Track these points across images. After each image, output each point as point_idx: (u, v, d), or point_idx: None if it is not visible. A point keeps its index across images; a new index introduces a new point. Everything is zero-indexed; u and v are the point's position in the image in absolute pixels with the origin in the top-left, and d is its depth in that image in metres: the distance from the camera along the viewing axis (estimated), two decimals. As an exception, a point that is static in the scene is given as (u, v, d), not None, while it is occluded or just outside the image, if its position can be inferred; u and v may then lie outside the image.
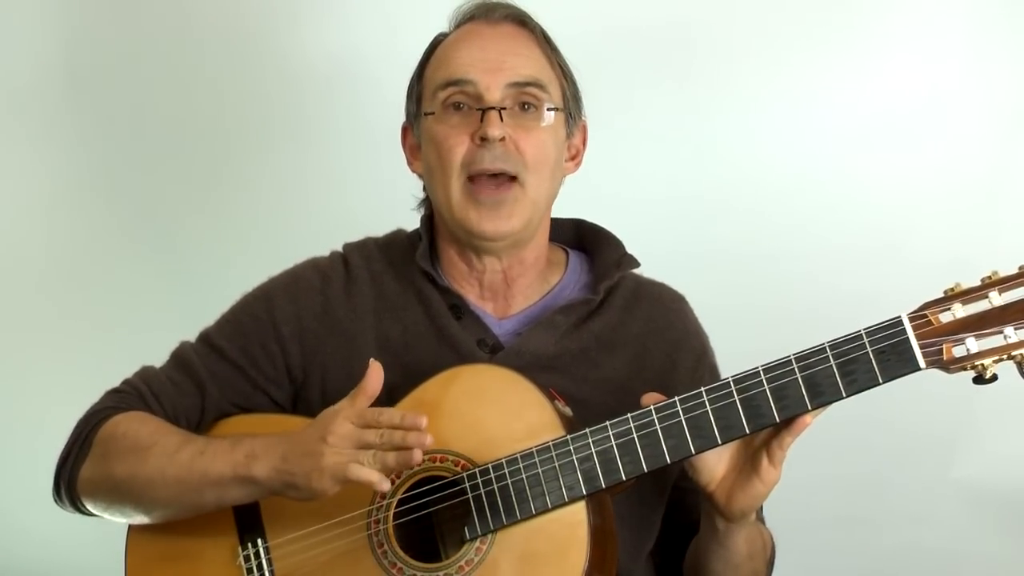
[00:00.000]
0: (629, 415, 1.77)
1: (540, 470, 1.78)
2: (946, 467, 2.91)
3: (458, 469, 1.81)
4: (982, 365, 1.67)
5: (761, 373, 1.73)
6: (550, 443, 1.78)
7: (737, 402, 1.74)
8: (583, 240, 2.11)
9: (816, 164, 2.89)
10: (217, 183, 3.02)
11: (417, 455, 1.69)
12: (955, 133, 2.86)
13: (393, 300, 2.01)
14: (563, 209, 2.09)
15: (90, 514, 1.98)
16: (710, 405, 1.75)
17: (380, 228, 2.11)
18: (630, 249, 2.07)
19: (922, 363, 1.68)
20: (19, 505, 2.98)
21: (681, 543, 2.01)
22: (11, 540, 3.10)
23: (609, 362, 1.98)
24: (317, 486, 1.73)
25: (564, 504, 1.77)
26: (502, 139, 1.91)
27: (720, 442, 1.75)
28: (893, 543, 2.94)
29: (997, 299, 1.67)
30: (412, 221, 2.09)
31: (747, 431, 1.74)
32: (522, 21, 2.00)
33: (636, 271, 2.06)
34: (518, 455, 1.79)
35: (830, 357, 1.71)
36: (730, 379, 1.75)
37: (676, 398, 1.76)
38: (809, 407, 1.72)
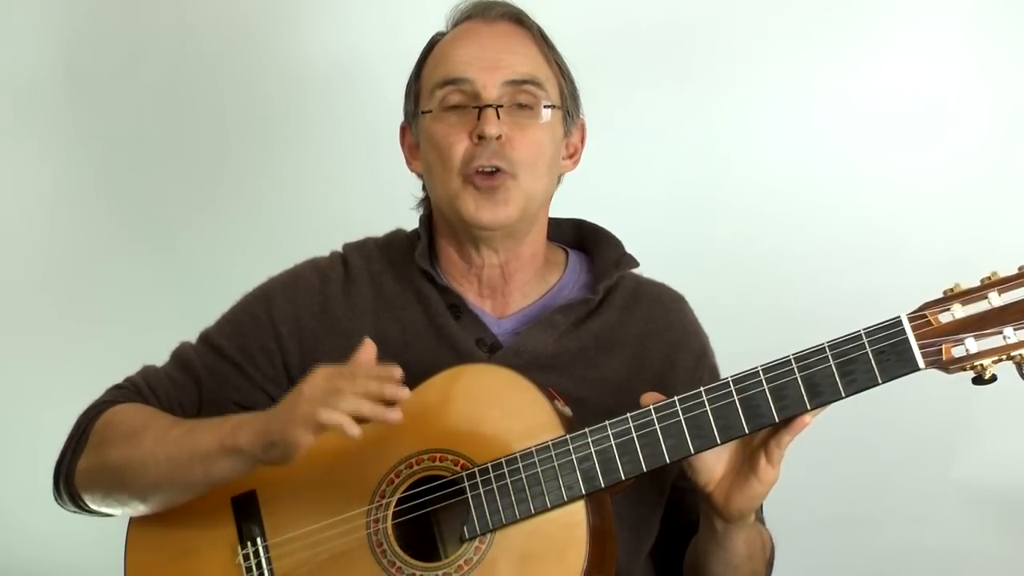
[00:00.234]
0: (628, 415, 1.77)
1: (539, 470, 1.78)
2: (946, 467, 2.91)
3: (457, 468, 1.81)
4: (981, 365, 1.67)
5: (760, 373, 1.73)
6: (549, 443, 1.78)
7: (736, 402, 1.74)
8: (583, 240, 2.12)
9: (816, 164, 2.89)
10: (217, 183, 3.03)
11: (396, 413, 1.69)
12: (955, 133, 2.86)
13: (392, 300, 2.01)
14: (563, 209, 2.10)
15: (90, 511, 1.99)
16: (709, 405, 1.75)
17: (380, 228, 2.11)
18: (630, 249, 2.07)
19: (921, 363, 1.68)
20: (19, 505, 2.98)
21: (680, 543, 2.01)
22: (11, 540, 3.10)
23: (608, 362, 1.98)
24: (292, 436, 1.71)
25: (563, 504, 1.77)
26: (499, 137, 1.91)
27: (719, 442, 1.75)
28: (893, 543, 2.94)
29: (997, 300, 1.67)
30: (412, 221, 2.09)
31: (746, 431, 1.74)
32: (519, 19, 2.00)
33: (636, 271, 2.07)
34: (517, 455, 1.79)
35: (829, 357, 1.71)
36: (729, 379, 1.75)
37: (675, 398, 1.76)
38: (808, 407, 1.72)
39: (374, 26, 2.90)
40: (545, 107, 1.96)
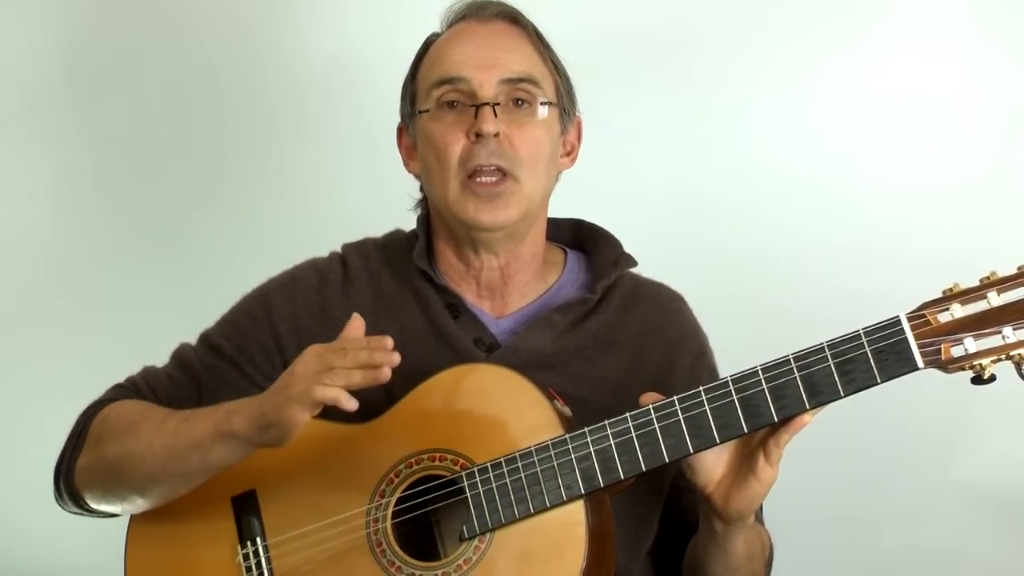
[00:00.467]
0: (627, 414, 1.77)
1: (539, 469, 1.78)
2: (946, 467, 2.90)
3: (457, 468, 1.81)
4: (980, 365, 1.67)
5: (760, 373, 1.73)
6: (549, 442, 1.78)
7: (735, 401, 1.74)
8: (581, 240, 2.12)
9: (816, 164, 2.89)
10: (217, 183, 3.03)
11: (385, 372, 1.68)
12: (955, 133, 2.86)
13: (391, 300, 2.01)
14: (562, 209, 2.10)
15: (91, 511, 1.99)
16: (708, 404, 1.75)
17: (379, 228, 2.11)
18: (629, 249, 2.07)
19: (920, 363, 1.68)
20: (19, 505, 2.98)
21: (679, 542, 2.01)
22: (11, 540, 3.10)
23: (606, 361, 1.98)
24: (288, 416, 1.71)
25: (562, 503, 1.77)
26: (496, 135, 1.91)
27: (718, 441, 1.75)
28: (893, 543, 2.94)
29: (996, 299, 1.67)
30: (410, 221, 2.09)
31: (745, 430, 1.74)
32: (514, 18, 2.01)
33: (635, 271, 2.07)
34: (517, 454, 1.79)
35: (828, 357, 1.71)
36: (728, 378, 1.75)
37: (674, 397, 1.76)
38: (807, 407, 1.72)
39: (372, 26, 2.90)
40: (542, 104, 1.96)
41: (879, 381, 1.70)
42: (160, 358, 2.06)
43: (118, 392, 2.02)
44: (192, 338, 2.06)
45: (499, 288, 2.02)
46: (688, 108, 2.89)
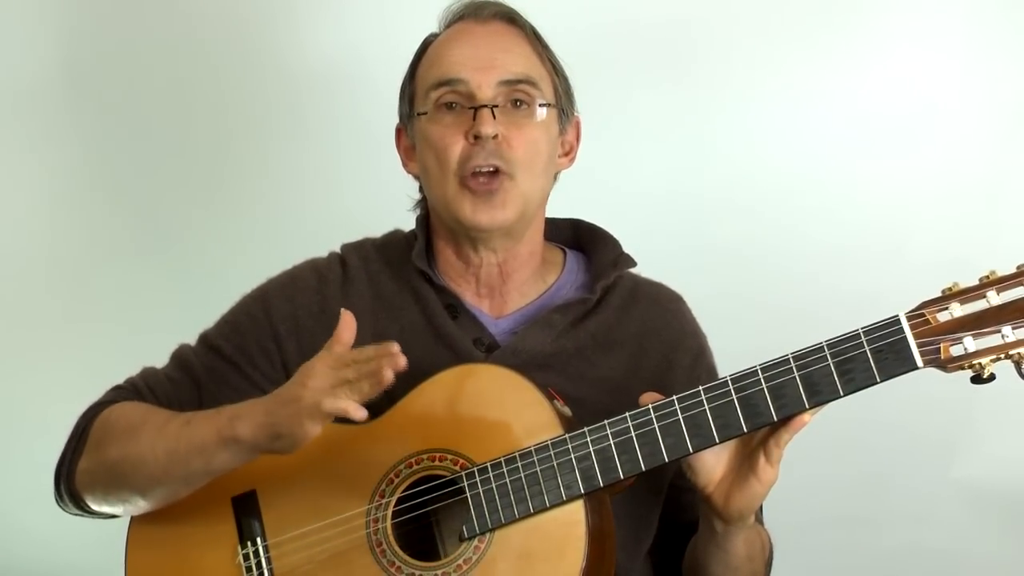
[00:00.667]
0: (627, 414, 1.77)
1: (538, 469, 1.78)
2: (946, 467, 2.90)
3: (457, 468, 1.81)
4: (980, 364, 1.67)
5: (759, 372, 1.73)
6: (548, 442, 1.78)
7: (735, 401, 1.74)
8: (580, 240, 2.12)
9: (816, 164, 2.89)
10: (217, 184, 3.03)
11: (388, 374, 1.68)
12: (955, 133, 2.86)
13: (390, 300, 2.01)
14: (562, 208, 2.10)
15: (92, 512, 1.99)
16: (708, 404, 1.75)
17: (378, 228, 2.11)
18: (629, 248, 2.07)
19: (920, 362, 1.68)
20: (19, 505, 2.98)
21: (678, 542, 2.01)
22: (11, 540, 3.10)
23: (605, 361, 1.98)
24: (299, 429, 1.72)
25: (562, 503, 1.77)
26: (495, 136, 1.91)
27: (718, 441, 1.75)
28: (893, 543, 2.94)
29: (995, 298, 1.67)
30: (409, 221, 2.10)
31: (745, 430, 1.74)
32: (511, 19, 2.01)
33: (634, 271, 2.07)
34: (516, 454, 1.79)
35: (827, 356, 1.71)
36: (728, 378, 1.75)
37: (674, 397, 1.76)
38: (807, 406, 1.72)
39: (371, 26, 2.90)
40: (540, 106, 1.96)
41: (878, 380, 1.70)
42: (160, 358, 2.06)
43: (118, 394, 2.02)
44: (192, 338, 2.06)
45: (498, 286, 2.02)
46: (688, 107, 2.89)
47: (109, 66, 3.00)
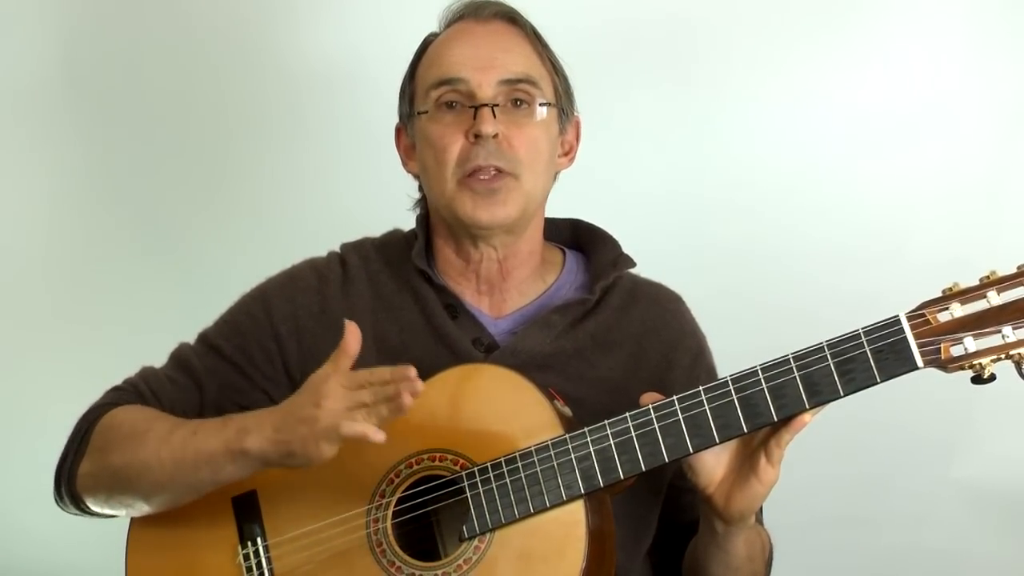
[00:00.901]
0: (627, 414, 1.77)
1: (539, 469, 1.78)
2: (946, 467, 2.90)
3: (457, 468, 1.81)
4: (980, 364, 1.67)
5: (759, 372, 1.73)
6: (549, 442, 1.78)
7: (735, 401, 1.74)
8: (580, 240, 2.12)
9: (816, 164, 2.88)
10: (216, 183, 3.03)
11: (408, 400, 1.68)
12: (955, 133, 2.85)
13: (390, 299, 2.01)
14: (562, 208, 2.10)
15: (92, 513, 1.99)
16: (708, 404, 1.75)
17: (378, 228, 2.11)
18: (628, 248, 2.07)
19: (920, 362, 1.68)
20: (19, 505, 2.98)
21: (678, 542, 2.01)
22: (11, 540, 3.10)
23: (605, 362, 1.98)
24: (314, 452, 1.73)
25: (562, 503, 1.77)
26: (495, 136, 1.91)
27: (718, 441, 1.75)
28: (893, 543, 2.94)
29: (995, 299, 1.67)
30: (409, 221, 2.09)
31: (745, 430, 1.74)
32: (512, 18, 2.01)
33: (633, 271, 2.07)
34: (517, 454, 1.79)
35: (828, 356, 1.71)
36: (728, 378, 1.75)
37: (674, 397, 1.76)
38: (807, 406, 1.72)
39: (371, 26, 2.90)
40: (540, 105, 1.96)
41: (879, 381, 1.70)
42: (160, 358, 2.06)
43: (118, 395, 2.01)
44: (191, 338, 2.06)
45: (498, 283, 2.02)
46: (688, 107, 2.89)
47: (109, 66, 3.00)
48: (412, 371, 1.69)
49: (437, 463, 1.82)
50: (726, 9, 2.86)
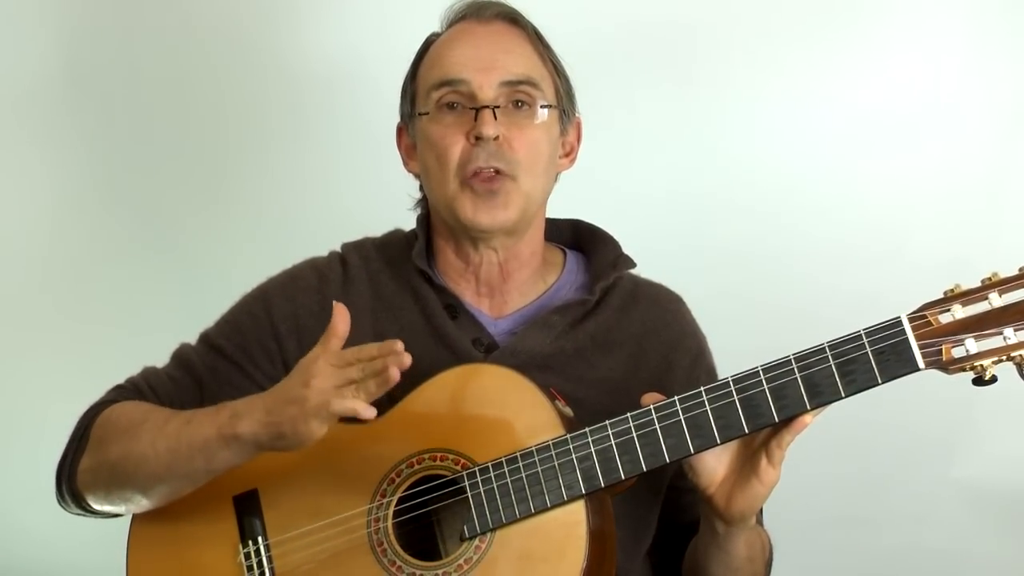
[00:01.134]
0: (629, 414, 1.77)
1: (539, 469, 1.78)
2: (946, 467, 2.90)
3: (458, 468, 1.81)
4: (981, 366, 1.67)
5: (760, 373, 1.73)
6: (549, 442, 1.78)
7: (736, 402, 1.74)
8: (580, 240, 2.12)
9: (816, 164, 2.88)
10: (217, 183, 3.03)
11: (394, 372, 1.68)
12: (955, 133, 2.85)
13: (390, 299, 2.01)
14: (562, 209, 2.10)
15: (94, 512, 1.99)
16: (709, 405, 1.75)
17: (378, 228, 2.11)
18: (629, 249, 2.07)
19: (921, 364, 1.68)
20: (19, 505, 2.98)
21: (678, 542, 2.01)
22: (11, 540, 3.10)
23: (605, 362, 1.98)
24: (304, 431, 1.72)
25: (563, 503, 1.77)
26: (496, 138, 1.91)
27: (719, 441, 1.75)
28: (893, 543, 2.94)
29: (997, 300, 1.67)
30: (410, 221, 2.10)
31: (746, 431, 1.74)
32: (513, 19, 2.01)
33: (634, 271, 2.07)
34: (518, 454, 1.79)
35: (829, 357, 1.71)
36: (729, 379, 1.75)
37: (675, 397, 1.76)
38: (808, 407, 1.72)
39: (372, 26, 2.90)
40: (542, 107, 1.96)
41: (880, 382, 1.70)
42: (160, 358, 2.06)
43: (119, 393, 2.01)
44: (192, 338, 2.06)
45: (498, 285, 2.02)
46: (688, 108, 2.89)
47: (109, 66, 3.00)
48: (399, 344, 1.69)
49: (438, 463, 1.82)
50: (726, 10, 2.86)
